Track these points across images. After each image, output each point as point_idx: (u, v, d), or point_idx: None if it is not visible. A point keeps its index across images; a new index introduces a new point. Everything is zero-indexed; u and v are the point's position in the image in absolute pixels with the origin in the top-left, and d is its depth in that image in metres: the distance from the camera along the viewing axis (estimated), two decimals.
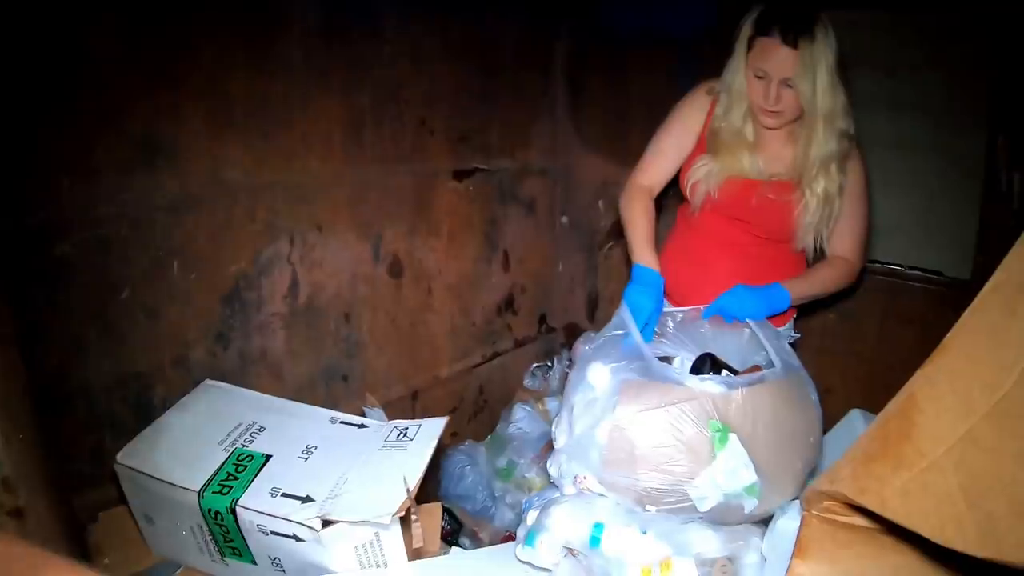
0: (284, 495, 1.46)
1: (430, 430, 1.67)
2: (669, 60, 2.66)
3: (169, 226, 1.77)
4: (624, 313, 1.67)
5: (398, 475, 1.49)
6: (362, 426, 1.73)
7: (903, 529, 0.96)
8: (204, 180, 1.83)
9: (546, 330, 3.27)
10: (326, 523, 1.38)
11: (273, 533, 1.43)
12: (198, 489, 1.47)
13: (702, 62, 2.52)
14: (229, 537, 1.49)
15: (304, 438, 1.65)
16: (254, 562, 1.52)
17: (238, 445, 1.60)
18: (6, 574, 0.64)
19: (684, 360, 1.75)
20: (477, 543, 2.35)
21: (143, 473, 1.50)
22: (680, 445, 1.42)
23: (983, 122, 2.12)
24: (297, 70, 1.97)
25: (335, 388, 2.29)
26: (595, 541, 1.46)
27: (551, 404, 2.89)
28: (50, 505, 1.21)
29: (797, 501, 1.39)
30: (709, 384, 1.46)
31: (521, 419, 2.80)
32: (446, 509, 2.14)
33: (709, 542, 1.45)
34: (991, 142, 2.09)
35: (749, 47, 1.72)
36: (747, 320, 1.72)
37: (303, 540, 1.40)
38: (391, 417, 1.81)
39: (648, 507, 1.47)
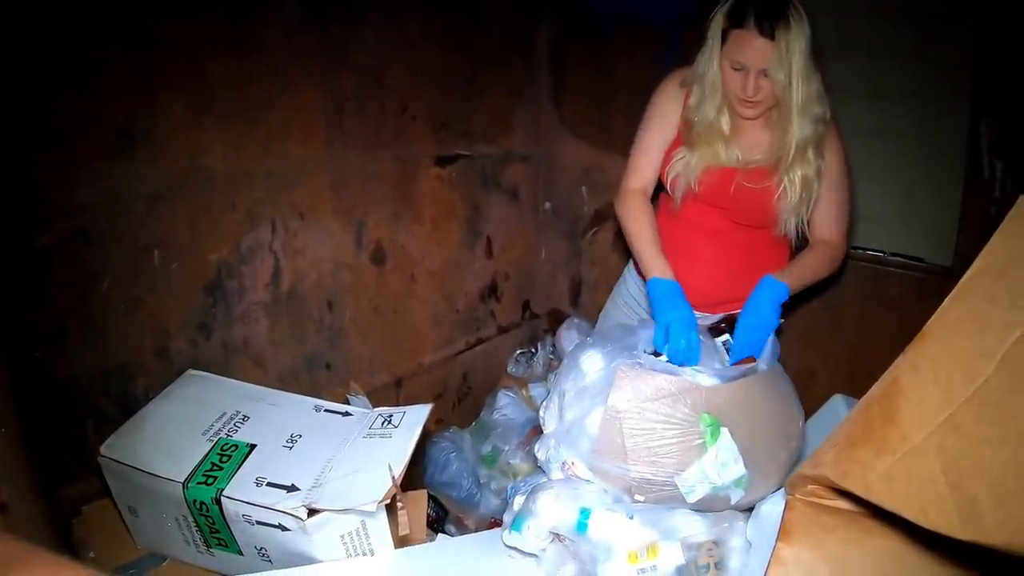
0: (269, 484, 1.45)
1: (415, 417, 1.67)
2: (652, 45, 2.65)
3: (149, 215, 1.75)
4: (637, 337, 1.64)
5: (383, 463, 1.49)
6: (346, 414, 1.72)
7: (887, 512, 0.97)
8: (184, 167, 1.80)
9: (530, 316, 3.27)
10: (311, 512, 1.38)
11: (259, 523, 1.42)
12: (183, 480, 1.46)
13: (685, 47, 2.52)
14: (215, 528, 1.48)
15: (288, 427, 1.64)
16: (240, 553, 1.52)
17: (222, 435, 1.59)
18: None
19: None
20: (463, 530, 2.36)
21: (127, 465, 1.49)
22: (672, 437, 1.43)
23: (965, 109, 2.12)
24: (278, 54, 1.95)
25: (318, 376, 2.28)
26: (582, 526, 1.46)
27: (535, 390, 2.89)
28: (34, 499, 1.20)
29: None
30: (702, 376, 1.47)
31: (505, 405, 2.80)
32: (431, 496, 2.14)
33: (695, 526, 1.46)
34: (973, 128, 2.10)
35: (724, 39, 1.70)
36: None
37: (289, 529, 1.40)
38: (375, 405, 1.81)
39: (636, 497, 1.48)
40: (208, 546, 1.54)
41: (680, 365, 1.54)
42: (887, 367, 1.05)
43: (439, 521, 2.28)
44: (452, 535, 2.12)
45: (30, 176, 1.54)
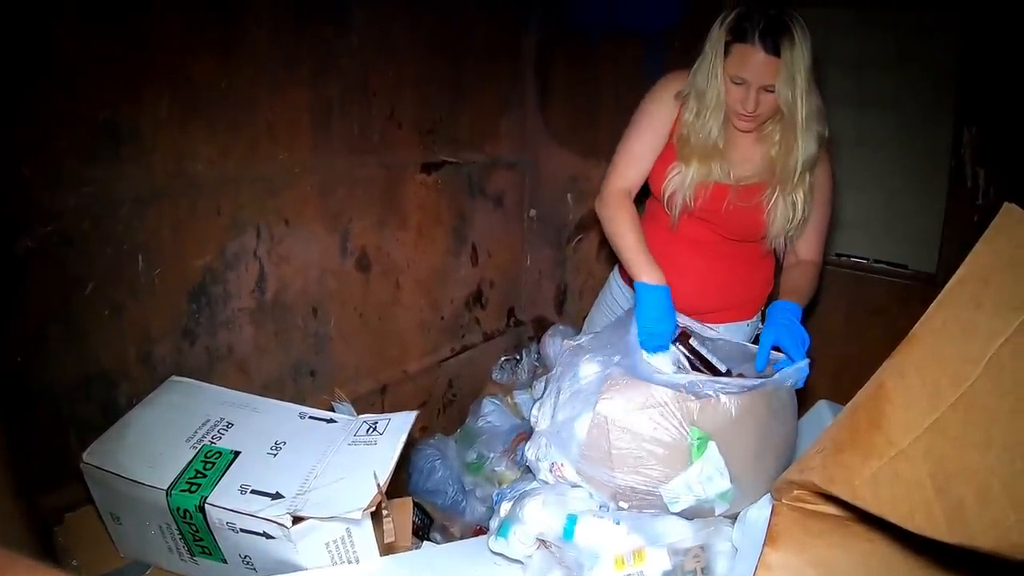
0: (253, 492, 1.44)
1: (400, 424, 1.66)
2: (637, 52, 2.68)
3: (133, 220, 1.73)
4: (633, 346, 1.60)
5: (368, 470, 1.48)
6: (331, 421, 1.71)
7: (873, 517, 0.98)
8: (169, 172, 1.79)
9: (515, 323, 3.28)
10: (296, 519, 1.37)
11: (243, 531, 1.41)
12: (166, 487, 1.44)
13: (670, 54, 2.55)
14: (199, 536, 1.47)
15: (273, 434, 1.63)
16: (224, 561, 1.50)
17: (206, 442, 1.58)
18: None
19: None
20: (448, 537, 2.35)
21: (110, 472, 1.47)
22: (657, 448, 1.43)
23: (948, 117, 2.16)
24: (264, 58, 1.95)
25: (303, 383, 2.27)
26: (568, 532, 1.46)
27: (520, 397, 2.90)
28: (16, 506, 1.18)
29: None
30: (690, 387, 1.46)
31: (490, 413, 2.80)
32: (416, 504, 2.14)
33: (681, 531, 1.46)
34: (957, 136, 2.13)
35: (726, 52, 1.65)
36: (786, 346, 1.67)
37: (273, 537, 1.39)
38: (360, 412, 1.80)
39: (621, 504, 1.49)
40: (192, 554, 1.53)
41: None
42: (872, 373, 1.06)
43: (424, 528, 2.28)
44: (437, 543, 2.11)
45: (12, 178, 1.52)
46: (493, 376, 3.10)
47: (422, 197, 2.60)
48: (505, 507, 1.61)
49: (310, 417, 1.72)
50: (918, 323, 0.99)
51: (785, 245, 1.85)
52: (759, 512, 1.38)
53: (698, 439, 1.42)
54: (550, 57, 2.96)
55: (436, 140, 2.60)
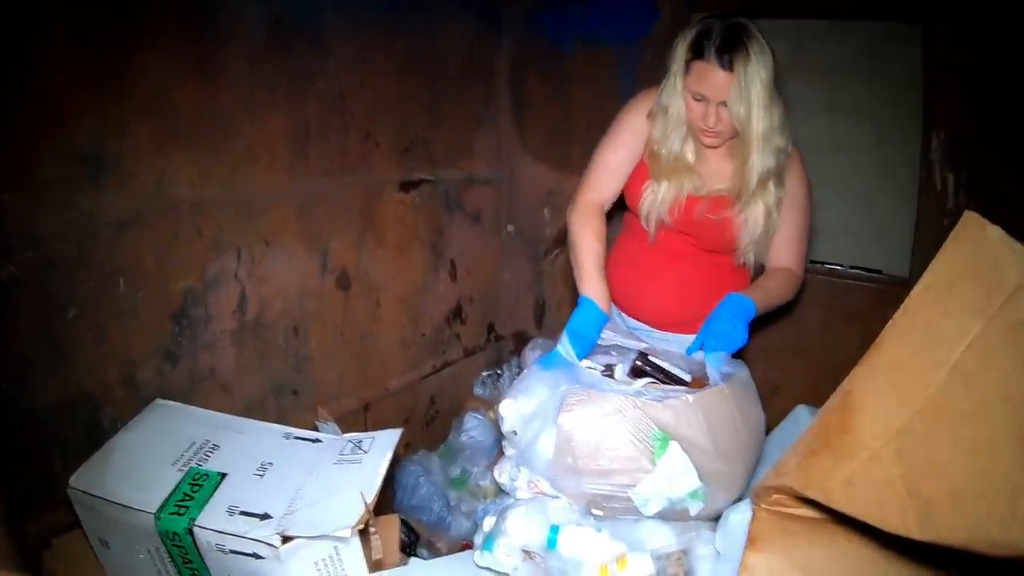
0: (242, 513, 1.45)
1: (384, 442, 1.68)
2: (610, 67, 2.72)
3: (115, 243, 1.74)
4: (564, 345, 1.64)
5: (355, 488, 1.50)
6: (316, 440, 1.72)
7: (850, 518, 1.01)
8: (149, 195, 1.80)
9: (495, 338, 3.30)
10: (285, 539, 1.38)
11: (232, 552, 1.41)
12: (155, 511, 1.44)
13: (642, 67, 2.59)
14: (188, 558, 1.47)
15: (259, 455, 1.64)
16: None
17: (193, 464, 1.58)
18: None
19: (626, 368, 1.74)
20: (435, 553, 2.35)
21: (97, 496, 1.47)
22: (619, 454, 1.45)
23: (917, 123, 2.20)
24: (243, 82, 1.96)
25: (285, 403, 2.27)
26: (552, 543, 1.48)
27: None
28: (3, 531, 1.18)
29: (747, 495, 1.44)
30: (648, 393, 1.50)
31: (473, 428, 2.80)
32: (402, 520, 2.14)
33: (663, 537, 1.48)
34: (925, 142, 2.18)
35: (687, 70, 1.69)
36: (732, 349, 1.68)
37: (263, 558, 1.40)
38: (343, 430, 1.80)
39: (595, 512, 1.51)
40: None
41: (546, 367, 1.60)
42: None
43: (411, 545, 2.28)
44: (425, 559, 2.12)
45: None
46: (475, 391, 3.11)
47: (400, 215, 2.62)
48: (489, 521, 1.62)
49: (295, 437, 1.73)
50: (885, 328, 1.02)
51: (754, 259, 1.87)
52: (740, 516, 1.41)
53: (659, 440, 1.44)
54: (524, 74, 2.99)
55: (413, 158, 2.62)
